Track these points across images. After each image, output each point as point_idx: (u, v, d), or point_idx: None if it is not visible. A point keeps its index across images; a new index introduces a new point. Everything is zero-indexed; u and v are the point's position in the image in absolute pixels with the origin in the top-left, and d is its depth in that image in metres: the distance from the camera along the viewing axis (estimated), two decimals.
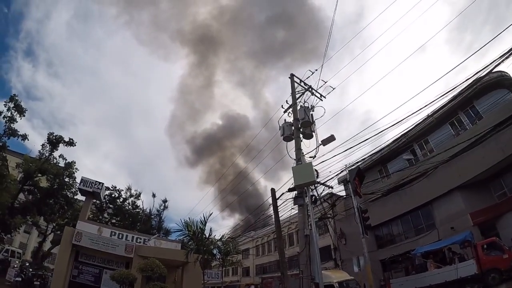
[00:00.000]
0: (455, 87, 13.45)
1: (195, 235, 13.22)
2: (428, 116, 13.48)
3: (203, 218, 13.38)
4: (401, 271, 22.41)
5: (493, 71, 24.03)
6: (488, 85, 24.76)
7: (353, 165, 13.69)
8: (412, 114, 13.85)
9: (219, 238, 14.58)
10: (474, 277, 15.62)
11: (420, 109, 14.20)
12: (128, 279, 14.35)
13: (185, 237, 14.12)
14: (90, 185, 22.02)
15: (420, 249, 21.00)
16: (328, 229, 26.28)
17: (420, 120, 25.61)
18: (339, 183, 25.33)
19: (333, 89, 15.18)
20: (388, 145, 28.74)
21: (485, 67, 12.16)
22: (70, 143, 26.76)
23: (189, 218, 13.50)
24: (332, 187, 12.75)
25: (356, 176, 12.52)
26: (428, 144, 29.27)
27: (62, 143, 26.60)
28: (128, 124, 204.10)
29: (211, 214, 13.41)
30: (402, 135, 27.38)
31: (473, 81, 23.64)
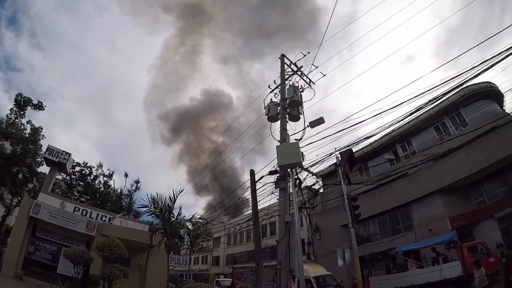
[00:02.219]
0: (439, 97, 12.70)
1: (162, 213, 11.81)
2: (429, 101, 12.68)
3: (172, 196, 11.95)
4: (381, 269, 22.04)
5: (483, 81, 25.00)
6: (475, 94, 25.03)
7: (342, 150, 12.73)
8: (398, 119, 13.07)
9: (188, 218, 13.02)
10: (459, 279, 15.13)
11: (409, 114, 13.40)
12: (83, 258, 12.91)
13: (150, 214, 12.60)
14: (57, 154, 20.44)
15: (402, 247, 20.65)
16: (303, 223, 25.76)
17: (406, 122, 25.55)
18: (317, 177, 24.67)
19: (324, 75, 14.47)
20: (371, 143, 28.40)
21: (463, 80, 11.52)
22: (39, 106, 24.84)
23: (157, 193, 12.05)
24: (316, 174, 11.89)
25: (347, 160, 11.64)
26: (411, 146, 29.10)
27: (30, 105, 24.65)
28: (109, 104, 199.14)
29: (181, 191, 12.01)
30: (385, 134, 27.28)
31: (460, 89, 24.16)
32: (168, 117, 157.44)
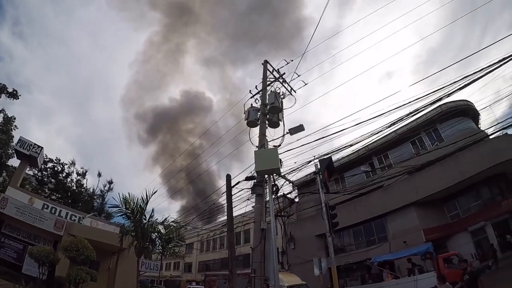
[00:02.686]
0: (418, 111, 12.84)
1: (134, 214, 11.30)
2: (410, 113, 12.71)
3: (145, 197, 11.43)
4: (356, 279, 22.03)
5: (460, 99, 25.70)
6: (452, 111, 25.55)
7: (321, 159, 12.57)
8: (377, 130, 13.07)
9: (161, 221, 12.46)
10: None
11: (387, 127, 13.44)
12: (48, 258, 12.21)
13: (121, 215, 12.02)
14: (28, 147, 19.59)
15: (377, 258, 20.70)
16: (277, 231, 25.60)
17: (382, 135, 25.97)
18: (293, 186, 24.64)
19: (305, 84, 14.36)
20: (348, 155, 28.61)
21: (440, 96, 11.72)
22: (14, 94, 23.57)
23: (129, 193, 11.46)
24: (293, 182, 11.72)
25: (326, 168, 11.51)
26: (388, 159, 29.45)
27: (5, 93, 23.40)
28: (88, 101, 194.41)
29: (155, 192, 11.52)
30: (362, 147, 27.57)
31: (438, 106, 24.76)
32: (146, 116, 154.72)
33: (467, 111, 26.32)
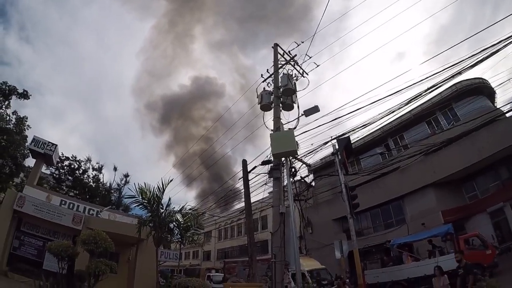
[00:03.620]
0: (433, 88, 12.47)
1: (150, 203, 11.28)
2: (428, 89, 12.37)
3: (161, 185, 11.36)
4: (376, 262, 21.90)
5: (475, 77, 25.12)
6: (468, 90, 25.06)
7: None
8: (394, 108, 12.74)
9: (178, 209, 12.36)
10: (455, 271, 14.97)
11: (401, 107, 13.11)
12: (67, 252, 12.22)
13: (138, 205, 12.00)
14: (42, 145, 19.69)
15: (397, 240, 20.41)
16: (295, 216, 25.41)
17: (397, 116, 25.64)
18: (310, 169, 24.39)
19: (317, 65, 14.07)
20: (363, 137, 28.29)
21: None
22: (24, 95, 23.69)
23: (145, 183, 11.39)
24: (309, 165, 11.55)
25: (344, 148, 11.28)
26: (403, 140, 29.02)
27: (15, 95, 23.66)
28: (98, 99, 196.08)
29: (171, 181, 11.39)
30: (377, 129, 27.21)
31: (453, 84, 24.27)
32: (157, 105, 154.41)
33: (482, 89, 25.67)
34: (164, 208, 11.63)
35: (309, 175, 15.22)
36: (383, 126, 27.33)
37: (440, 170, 22.94)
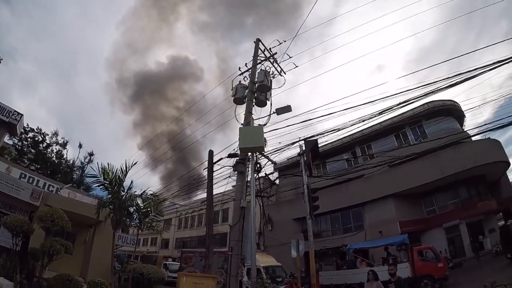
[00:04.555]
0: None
1: (112, 185, 11.04)
2: (400, 103, 12.69)
3: (124, 167, 11.10)
4: (331, 264, 22.37)
5: (447, 99, 26.14)
6: (439, 110, 26.20)
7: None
8: (366, 117, 13.03)
9: (139, 193, 12.12)
10: (407, 280, 15.54)
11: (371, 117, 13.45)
12: (22, 228, 11.79)
13: (99, 186, 11.70)
14: (7, 114, 18.79)
15: (354, 245, 21.06)
16: (256, 212, 25.51)
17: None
18: (275, 168, 24.55)
19: (296, 66, 14.19)
20: (331, 142, 28.83)
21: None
22: None
23: (108, 164, 11.11)
24: (275, 163, 11.65)
25: (311, 150, 11.44)
26: (371, 150, 29.76)
27: None
28: (73, 71, 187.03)
29: (135, 164, 11.15)
30: (347, 136, 27.84)
31: (425, 103, 25.19)
32: (131, 81, 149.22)
33: (453, 111, 26.80)
34: (125, 191, 11.37)
35: (273, 172, 15.35)
36: (352, 134, 28.00)
37: (402, 182, 23.80)
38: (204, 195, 15.03)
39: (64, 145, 34.23)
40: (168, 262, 29.97)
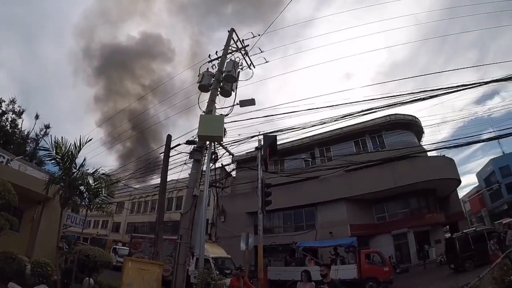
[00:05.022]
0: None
1: (63, 160, 10.64)
2: (362, 111, 13.06)
3: (78, 143, 10.67)
4: (280, 260, 22.76)
5: (409, 114, 27.34)
6: (400, 123, 27.40)
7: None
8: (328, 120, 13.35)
9: (91, 172, 11.67)
10: (353, 281, 16.06)
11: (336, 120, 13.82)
12: None
13: (50, 160, 11.22)
14: None
15: (303, 243, 21.49)
16: (209, 202, 25.53)
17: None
18: (233, 159, 24.55)
19: (266, 61, 14.20)
20: (291, 141, 29.31)
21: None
22: None
23: (62, 137, 10.63)
24: (233, 154, 11.69)
25: (269, 145, 11.56)
26: (329, 152, 30.45)
27: None
28: (40, 35, 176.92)
29: (89, 140, 10.74)
30: (307, 137, 28.45)
31: (388, 115, 26.21)
32: (98, 52, 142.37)
33: (413, 125, 28.17)
34: (77, 168, 10.99)
35: (230, 164, 15.42)
36: (312, 135, 28.82)
37: (356, 187, 24.57)
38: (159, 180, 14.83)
39: (20, 114, 32.55)
40: (117, 247, 29.41)
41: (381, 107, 13.15)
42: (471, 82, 11.43)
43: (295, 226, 27.77)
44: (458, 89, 11.66)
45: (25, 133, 33.71)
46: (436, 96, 11.99)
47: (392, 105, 12.87)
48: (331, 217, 25.02)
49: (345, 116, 13.86)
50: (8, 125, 31.47)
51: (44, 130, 34.22)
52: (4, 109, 30.93)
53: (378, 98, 12.78)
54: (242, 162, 29.43)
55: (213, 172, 11.01)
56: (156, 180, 35.55)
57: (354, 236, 21.14)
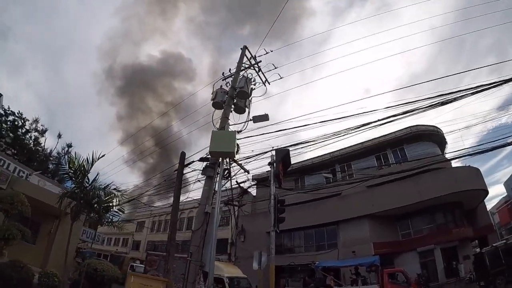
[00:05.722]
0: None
1: (76, 174, 10.61)
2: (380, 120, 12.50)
3: (91, 158, 10.65)
4: (298, 281, 22.13)
5: (430, 124, 26.44)
6: (421, 134, 26.38)
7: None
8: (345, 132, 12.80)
9: (103, 187, 11.60)
10: None
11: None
12: None
13: (64, 174, 11.27)
14: None
15: (322, 262, 20.81)
16: (230, 222, 25.34)
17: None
18: (248, 174, 24.20)
19: (281, 77, 13.98)
20: (311, 158, 28.71)
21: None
22: None
23: (75, 153, 10.68)
24: (248, 171, 11.34)
25: (282, 159, 11.17)
26: (350, 169, 29.63)
27: None
28: (64, 57, 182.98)
29: (102, 156, 10.74)
30: (327, 153, 27.88)
31: (408, 127, 25.49)
32: (121, 72, 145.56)
33: (435, 136, 26.97)
34: (89, 182, 10.96)
35: (246, 181, 15.07)
36: (332, 152, 28.38)
37: (378, 203, 23.75)
38: (181, 199, 14.61)
39: (43, 132, 33.50)
40: (135, 264, 29.38)
41: (399, 115, 12.52)
42: (490, 82, 10.72)
43: (317, 246, 26.92)
44: (477, 90, 11.00)
45: (48, 151, 34.53)
46: (455, 99, 11.34)
47: (410, 111, 12.22)
48: (353, 235, 24.19)
49: (359, 127, 13.28)
50: (32, 143, 32.29)
51: (66, 148, 34.98)
52: (28, 128, 31.78)
53: (395, 106, 12.16)
54: (262, 180, 29.15)
55: (228, 190, 10.73)
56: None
57: (378, 254, 20.38)
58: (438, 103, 11.61)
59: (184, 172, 11.13)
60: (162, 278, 9.06)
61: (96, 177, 11.53)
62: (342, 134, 12.69)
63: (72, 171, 10.63)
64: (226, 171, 9.60)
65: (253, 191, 30.37)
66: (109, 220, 11.77)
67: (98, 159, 10.73)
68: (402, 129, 26.17)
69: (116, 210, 11.86)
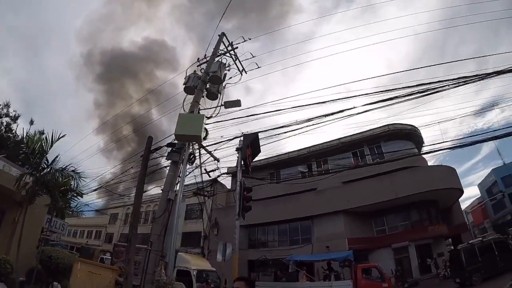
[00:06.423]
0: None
1: (34, 155, 10.01)
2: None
3: (50, 138, 10.02)
4: (269, 275, 21.81)
5: (408, 124, 26.56)
6: (399, 133, 26.53)
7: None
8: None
9: (61, 168, 10.80)
10: None
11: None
12: None
13: (22, 154, 10.62)
14: None
15: (295, 256, 20.40)
16: (202, 215, 24.81)
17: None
18: (216, 159, 23.84)
19: (258, 67, 13.52)
20: (288, 153, 28.52)
21: None
22: None
23: (35, 131, 10.06)
24: (218, 160, 10.91)
25: (251, 144, 10.76)
26: (326, 165, 29.45)
27: None
28: (44, 46, 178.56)
29: (63, 136, 10.21)
30: (304, 148, 27.69)
31: (386, 124, 25.57)
32: (102, 57, 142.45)
33: (412, 135, 27.13)
34: (48, 163, 10.35)
35: (215, 169, 14.46)
36: (309, 147, 28.82)
37: (354, 199, 23.65)
38: (156, 190, 14.06)
39: (15, 119, 31.98)
40: (104, 256, 28.75)
41: (376, 103, 12.26)
42: (471, 75, 10.65)
43: (291, 240, 26.61)
44: (459, 82, 10.95)
45: (19, 138, 33.22)
46: (434, 90, 11.22)
47: (387, 100, 11.99)
48: (328, 231, 23.96)
49: (335, 113, 12.91)
50: (3, 129, 30.99)
51: (39, 135, 33.68)
52: None
53: (372, 93, 11.93)
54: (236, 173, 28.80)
55: (199, 182, 10.30)
56: (151, 191, 34.86)
57: (352, 250, 20.22)
58: (416, 92, 11.47)
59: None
60: (113, 266, 8.57)
61: (56, 157, 10.84)
62: (317, 122, 12.30)
63: (29, 151, 10.02)
64: (192, 155, 9.16)
65: (228, 184, 30.01)
66: (68, 205, 11.12)
67: (58, 139, 10.16)
68: (380, 127, 26.27)
69: (74, 194, 11.21)
